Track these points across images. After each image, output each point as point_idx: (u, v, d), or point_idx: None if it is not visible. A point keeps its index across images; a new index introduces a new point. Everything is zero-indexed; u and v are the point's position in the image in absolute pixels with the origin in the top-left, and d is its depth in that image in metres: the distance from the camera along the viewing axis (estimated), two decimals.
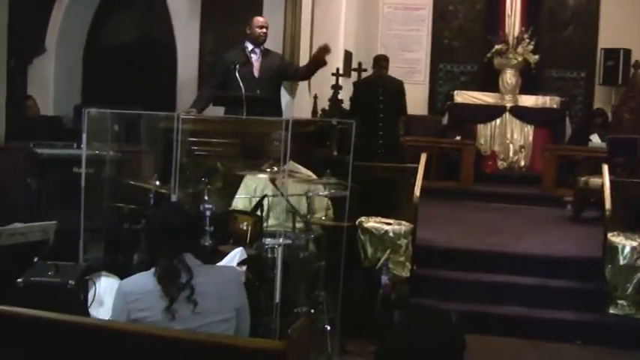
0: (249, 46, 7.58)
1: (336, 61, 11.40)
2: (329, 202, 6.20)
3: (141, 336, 3.20)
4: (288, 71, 7.87)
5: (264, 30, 7.59)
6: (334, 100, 10.74)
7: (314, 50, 7.64)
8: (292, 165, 6.16)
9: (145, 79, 10.15)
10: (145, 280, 3.51)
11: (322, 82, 10.74)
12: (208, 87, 7.77)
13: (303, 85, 9.99)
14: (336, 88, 10.78)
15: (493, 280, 7.28)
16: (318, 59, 7.55)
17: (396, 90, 10.05)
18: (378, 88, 9.97)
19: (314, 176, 6.20)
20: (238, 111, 6.80)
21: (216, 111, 7.71)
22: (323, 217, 6.12)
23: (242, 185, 6.46)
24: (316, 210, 6.11)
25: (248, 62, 7.50)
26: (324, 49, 7.44)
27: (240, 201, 6.38)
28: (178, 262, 3.50)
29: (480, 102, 13.16)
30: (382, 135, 9.86)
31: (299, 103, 9.84)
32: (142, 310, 3.42)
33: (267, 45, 7.83)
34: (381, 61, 10.12)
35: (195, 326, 3.41)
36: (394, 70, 10.62)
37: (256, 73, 7.44)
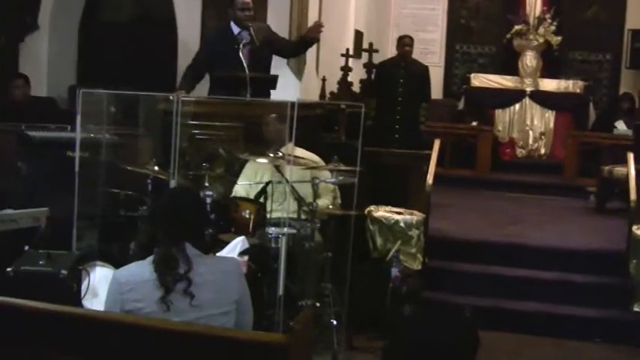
0: (235, 29, 7.37)
1: (345, 41, 11.40)
2: (336, 187, 6.20)
3: (137, 328, 3.20)
4: (277, 48, 7.69)
5: (245, 13, 7.33)
6: (344, 83, 10.73)
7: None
8: (299, 152, 6.17)
9: (144, 58, 10.15)
10: (140, 269, 3.53)
11: (331, 64, 10.73)
12: (193, 66, 7.60)
13: (310, 66, 9.98)
14: (346, 69, 10.76)
15: (510, 273, 7.28)
16: (311, 37, 7.48)
17: (420, 74, 10.05)
18: (399, 70, 9.97)
19: (319, 161, 6.20)
20: (241, 92, 6.79)
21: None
22: (330, 206, 6.12)
23: (243, 171, 6.46)
24: (321, 194, 6.11)
25: (235, 48, 7.32)
26: (317, 27, 7.40)
27: (241, 188, 6.39)
28: (178, 251, 3.51)
29: (498, 86, 13.15)
30: (399, 120, 9.85)
31: (306, 86, 9.83)
32: (136, 301, 3.44)
33: (273, 24, 7.78)
34: (404, 41, 10.08)
35: (193, 319, 3.42)
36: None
37: (245, 61, 7.08)
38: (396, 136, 9.73)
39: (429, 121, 10.91)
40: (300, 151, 6.13)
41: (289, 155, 5.51)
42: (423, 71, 10.10)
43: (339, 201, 6.26)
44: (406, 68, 9.98)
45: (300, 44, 7.78)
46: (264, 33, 7.46)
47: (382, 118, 9.91)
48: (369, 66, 11.06)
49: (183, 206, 3.69)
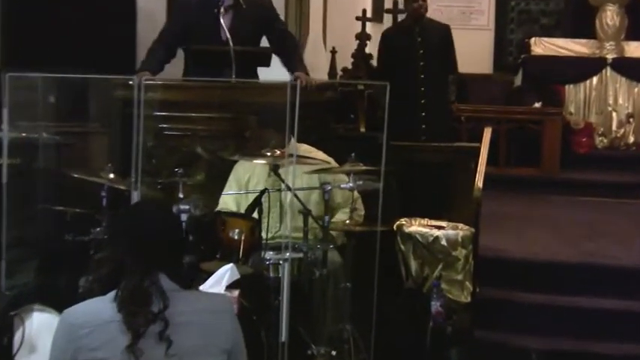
0: None
1: (361, 0, 11.42)
2: (356, 196, 6.20)
3: None
4: (268, 29, 7.65)
5: None
6: (360, 56, 10.75)
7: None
8: (303, 149, 6.19)
9: (93, 31, 10.17)
10: (99, 308, 3.51)
11: (343, 31, 10.76)
12: (161, 40, 7.62)
13: (315, 34, 10.03)
14: (363, 38, 10.78)
15: (589, 305, 7.28)
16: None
17: (441, 38, 9.90)
18: (415, 37, 9.82)
19: (330, 161, 6.22)
20: (224, 72, 6.81)
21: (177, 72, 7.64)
22: (347, 221, 6.13)
23: (231, 176, 6.49)
24: (338, 207, 6.14)
25: (214, 20, 7.32)
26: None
27: (231, 199, 6.41)
28: (150, 284, 3.51)
29: (568, 53, 13.12)
30: (425, 104, 9.72)
31: (310, 61, 9.86)
32: (94, 350, 3.42)
33: None
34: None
35: None
36: (443, 11, 10.60)
37: (227, 30, 7.15)
38: (423, 125, 9.61)
39: (475, 104, 10.91)
40: (305, 149, 6.16)
41: (292, 154, 5.53)
42: (444, 33, 9.94)
43: (361, 212, 6.27)
44: (423, 33, 9.81)
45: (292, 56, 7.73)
46: (253, 7, 7.45)
47: (401, 105, 9.74)
48: None
49: (155, 226, 3.70)
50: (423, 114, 9.66)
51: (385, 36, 10.25)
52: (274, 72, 7.38)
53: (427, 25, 9.94)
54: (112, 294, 3.51)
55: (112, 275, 3.60)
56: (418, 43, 9.78)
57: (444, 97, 10.02)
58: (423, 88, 9.71)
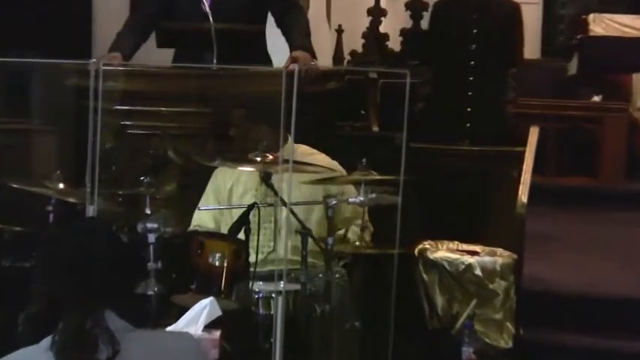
0: None
1: None
2: (364, 213, 6.19)
3: None
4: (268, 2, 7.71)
5: None
6: (373, 36, 10.74)
7: None
8: (302, 151, 6.19)
9: (41, 7, 10.21)
10: (31, 358, 3.52)
11: (351, 5, 10.76)
12: (137, 18, 7.65)
13: (316, 10, 10.01)
14: (376, 14, 10.78)
15: None
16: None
17: (505, 18, 9.73)
18: (470, 11, 9.67)
19: (340, 169, 6.21)
20: (206, 56, 6.82)
21: (164, 56, 7.69)
22: (357, 242, 6.13)
23: (209, 186, 6.48)
24: (346, 221, 6.13)
25: None
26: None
27: (208, 215, 6.40)
28: (94, 325, 3.48)
29: (636, 33, 13.10)
30: (473, 97, 9.56)
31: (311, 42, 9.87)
32: None
33: None
34: None
35: None
36: None
37: (207, 3, 7.20)
38: (468, 124, 9.50)
39: (519, 97, 10.89)
40: (303, 150, 6.16)
41: (288, 160, 5.51)
42: (510, 12, 9.80)
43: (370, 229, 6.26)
44: (480, 8, 9.67)
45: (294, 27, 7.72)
46: None
47: (444, 96, 9.69)
48: (415, 7, 11.03)
49: (98, 251, 3.65)
50: (469, 109, 9.42)
51: (435, 9, 10.09)
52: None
53: (488, 1, 9.72)
54: (47, 341, 3.47)
55: (45, 315, 3.57)
56: (473, 20, 9.52)
57: (498, 92, 9.73)
58: (471, 78, 9.46)
